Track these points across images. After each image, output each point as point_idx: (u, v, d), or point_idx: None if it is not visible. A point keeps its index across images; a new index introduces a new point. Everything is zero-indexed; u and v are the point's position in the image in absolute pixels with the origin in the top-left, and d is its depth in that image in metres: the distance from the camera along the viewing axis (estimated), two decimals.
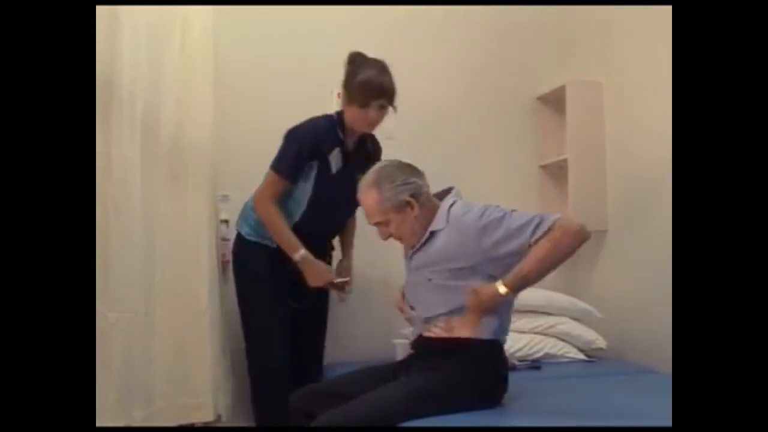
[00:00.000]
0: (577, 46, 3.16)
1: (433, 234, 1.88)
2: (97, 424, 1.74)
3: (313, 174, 2.32)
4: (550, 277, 3.02)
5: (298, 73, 2.84)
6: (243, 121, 2.74)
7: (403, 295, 2.02)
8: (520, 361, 2.54)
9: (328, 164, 2.31)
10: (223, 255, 2.60)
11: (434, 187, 2.79)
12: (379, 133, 2.40)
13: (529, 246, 1.74)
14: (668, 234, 1.71)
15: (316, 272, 2.29)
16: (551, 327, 2.68)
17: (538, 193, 3.19)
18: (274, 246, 2.31)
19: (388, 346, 2.37)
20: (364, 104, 2.24)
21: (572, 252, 1.76)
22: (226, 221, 2.63)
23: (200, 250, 2.40)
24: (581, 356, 2.69)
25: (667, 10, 1.76)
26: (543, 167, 3.18)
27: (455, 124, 3.10)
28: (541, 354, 2.61)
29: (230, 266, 2.62)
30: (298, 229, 2.31)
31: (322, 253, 2.43)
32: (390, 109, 2.29)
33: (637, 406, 1.87)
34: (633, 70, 2.81)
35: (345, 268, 2.51)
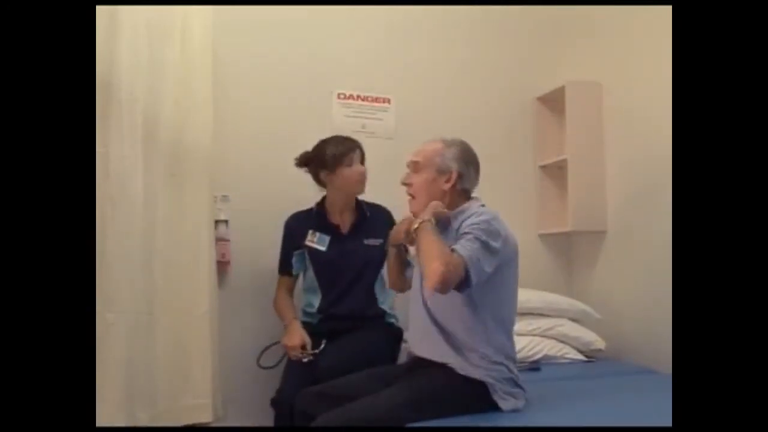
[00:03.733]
0: (576, 46, 3.16)
1: (446, 227, 1.85)
2: (99, 425, 1.74)
3: (308, 259, 2.47)
4: (550, 277, 3.09)
5: (298, 73, 2.84)
6: (242, 121, 2.73)
7: None
8: (520, 363, 2.53)
9: (313, 248, 2.44)
10: (223, 255, 2.60)
11: None
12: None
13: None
14: (668, 234, 1.72)
15: (290, 336, 2.34)
16: (550, 329, 2.68)
17: (537, 193, 3.19)
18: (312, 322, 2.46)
19: None
20: (348, 162, 2.37)
21: (428, 263, 1.68)
22: (225, 221, 2.63)
23: (200, 251, 2.39)
24: (580, 357, 2.69)
25: (666, 10, 1.76)
26: (542, 167, 3.18)
27: (455, 124, 3.09)
28: (540, 355, 2.61)
29: (230, 266, 2.62)
30: (324, 314, 2.43)
31: (344, 331, 2.36)
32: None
33: (636, 406, 1.87)
34: (633, 70, 2.81)
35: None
